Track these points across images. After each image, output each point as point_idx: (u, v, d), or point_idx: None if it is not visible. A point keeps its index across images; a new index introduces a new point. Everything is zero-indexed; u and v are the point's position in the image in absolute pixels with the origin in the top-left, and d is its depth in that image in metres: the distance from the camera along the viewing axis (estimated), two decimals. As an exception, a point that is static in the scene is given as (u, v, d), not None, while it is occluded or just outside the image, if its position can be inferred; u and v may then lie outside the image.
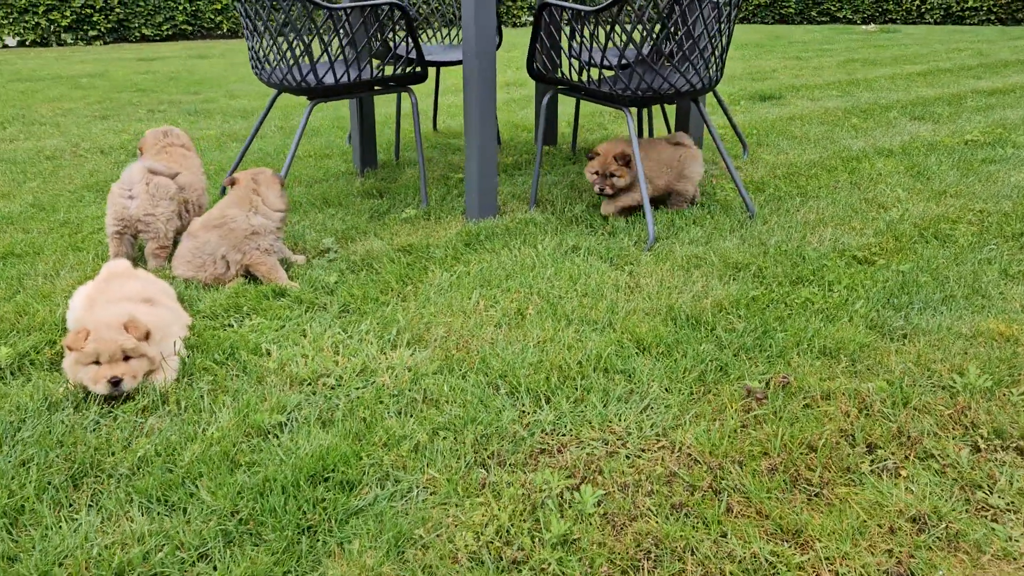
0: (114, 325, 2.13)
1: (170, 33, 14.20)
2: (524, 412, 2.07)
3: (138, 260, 3.06)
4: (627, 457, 1.90)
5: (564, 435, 1.98)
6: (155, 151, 3.26)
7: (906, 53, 10.61)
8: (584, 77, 3.40)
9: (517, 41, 12.88)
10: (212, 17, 14.59)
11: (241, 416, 2.02)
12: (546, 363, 2.28)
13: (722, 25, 3.25)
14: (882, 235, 3.30)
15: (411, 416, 2.05)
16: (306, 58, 3.42)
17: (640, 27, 3.18)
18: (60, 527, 1.65)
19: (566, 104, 6.62)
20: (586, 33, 3.26)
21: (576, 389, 2.16)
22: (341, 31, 3.40)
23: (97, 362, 2.10)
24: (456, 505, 1.74)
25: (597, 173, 3.55)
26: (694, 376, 2.22)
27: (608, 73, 4.50)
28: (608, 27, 3.17)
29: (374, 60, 3.75)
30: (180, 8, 14.16)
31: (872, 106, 6.41)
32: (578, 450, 1.92)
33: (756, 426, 2.01)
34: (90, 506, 1.73)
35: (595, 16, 3.17)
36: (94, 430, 1.98)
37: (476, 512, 1.71)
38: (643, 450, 1.93)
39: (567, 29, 3.39)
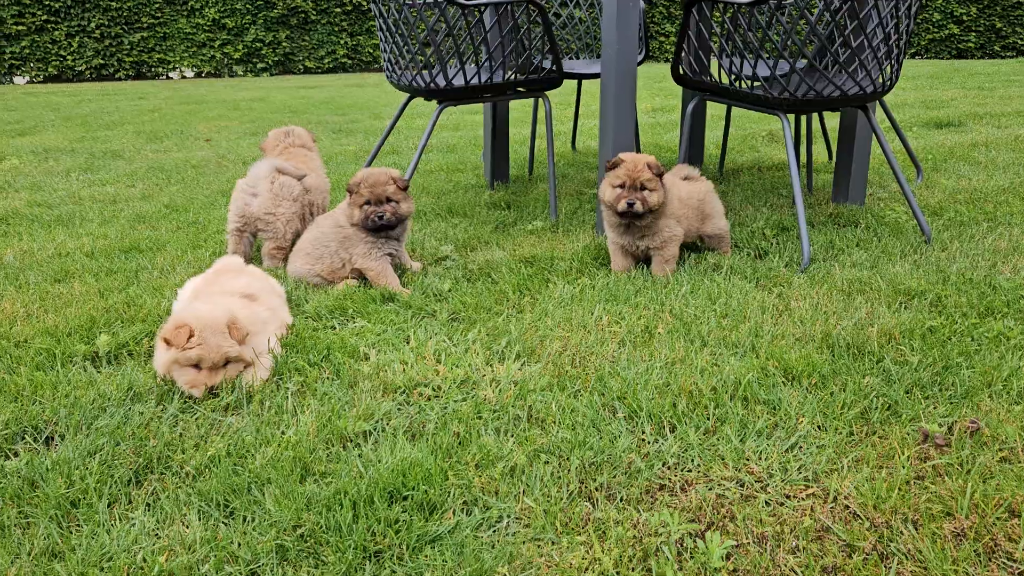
0: (218, 328, 1.98)
1: (331, 66, 14.84)
2: (643, 440, 1.76)
3: (255, 260, 2.97)
4: (767, 503, 1.54)
5: (690, 471, 1.65)
6: (277, 152, 3.19)
7: (1108, 85, 9.46)
8: (734, 78, 3.06)
9: (665, 73, 12.55)
10: (371, 52, 15.14)
11: (324, 421, 1.82)
12: (674, 386, 1.95)
13: (901, 17, 2.83)
14: (1094, 267, 2.75)
15: (511, 435, 1.78)
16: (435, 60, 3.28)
17: (803, 21, 2.82)
18: (112, 526, 1.49)
19: (714, 129, 6.23)
20: (738, 32, 2.93)
21: (708, 418, 1.82)
22: (474, 31, 3.24)
23: (197, 365, 1.96)
24: (552, 542, 1.44)
25: (622, 186, 2.66)
26: (855, 413, 1.83)
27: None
28: (767, 21, 2.83)
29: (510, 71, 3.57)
30: (341, 43, 14.79)
31: (1071, 135, 5.64)
32: (706, 490, 1.58)
33: (935, 479, 1.60)
34: (148, 505, 1.56)
35: (751, 9, 2.84)
36: (171, 425, 1.83)
37: (575, 553, 1.41)
38: (788, 496, 1.57)
39: (718, 27, 3.07)
